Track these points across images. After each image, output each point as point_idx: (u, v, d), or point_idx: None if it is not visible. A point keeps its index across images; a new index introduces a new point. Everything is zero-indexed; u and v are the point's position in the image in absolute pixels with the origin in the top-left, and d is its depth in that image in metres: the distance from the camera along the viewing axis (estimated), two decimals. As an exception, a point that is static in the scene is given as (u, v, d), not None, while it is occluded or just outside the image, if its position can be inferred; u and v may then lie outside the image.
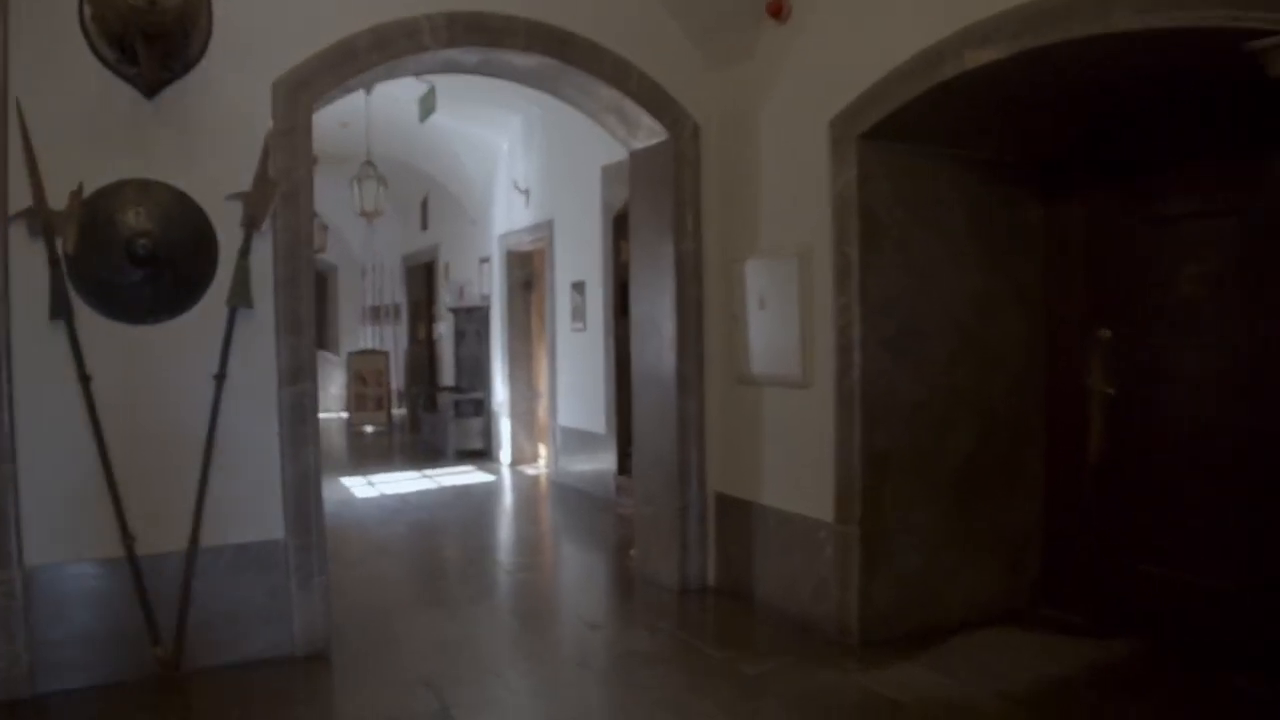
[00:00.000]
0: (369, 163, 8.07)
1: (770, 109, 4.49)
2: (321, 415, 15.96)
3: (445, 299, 11.36)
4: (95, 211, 3.56)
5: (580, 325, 8.03)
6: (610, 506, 7.21)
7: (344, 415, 13.57)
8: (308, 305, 3.95)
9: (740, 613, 4.53)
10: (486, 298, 10.06)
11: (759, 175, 4.59)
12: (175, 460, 3.74)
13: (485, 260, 10.12)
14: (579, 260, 8.06)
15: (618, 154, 6.82)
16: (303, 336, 3.93)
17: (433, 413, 10.71)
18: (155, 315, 3.71)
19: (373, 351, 13.43)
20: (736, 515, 4.79)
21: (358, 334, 16.09)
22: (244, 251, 3.82)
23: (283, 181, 3.86)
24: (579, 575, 5.61)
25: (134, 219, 3.62)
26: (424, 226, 12.31)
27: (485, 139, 9.45)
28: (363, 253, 15.62)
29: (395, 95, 6.98)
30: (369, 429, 12.80)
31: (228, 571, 3.81)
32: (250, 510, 3.87)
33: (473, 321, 10.44)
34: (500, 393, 9.77)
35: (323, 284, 16.65)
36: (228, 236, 3.81)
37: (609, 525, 6.64)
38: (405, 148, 10.00)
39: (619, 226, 7.44)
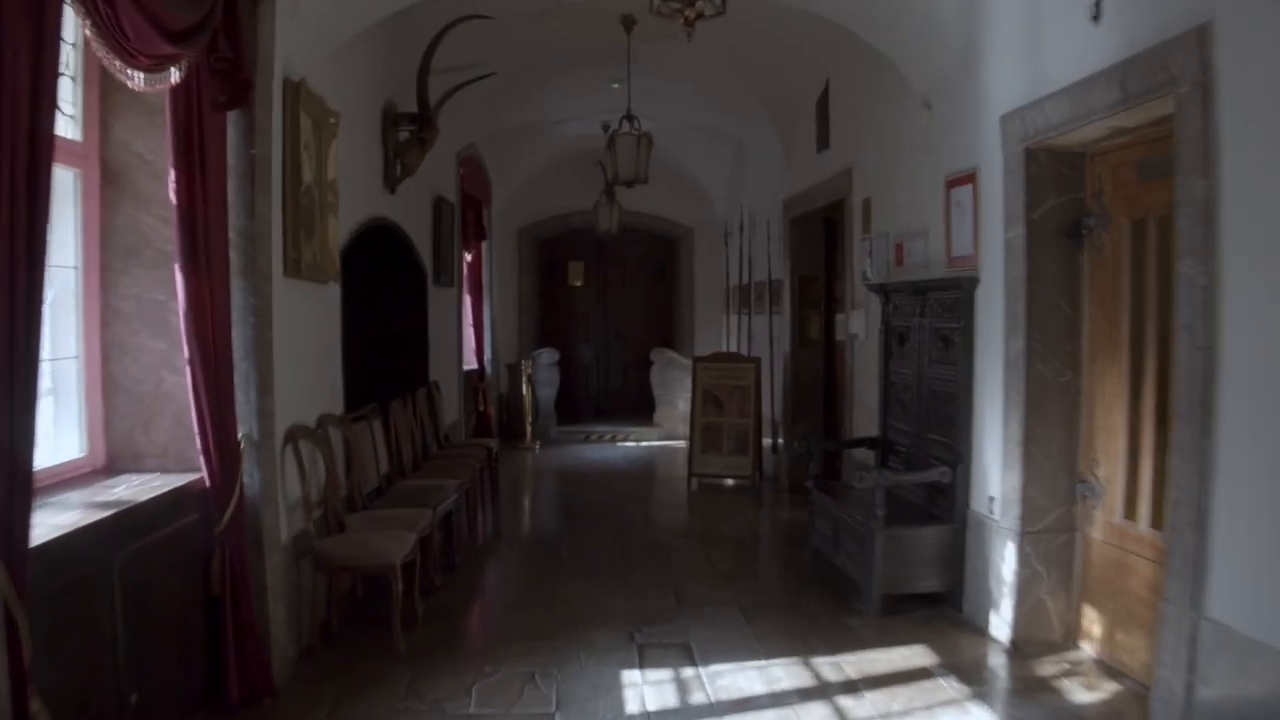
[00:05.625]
0: None
1: None
2: (662, 443, 8.58)
3: (864, 267, 6.12)
4: None
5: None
6: None
7: (684, 447, 8.70)
8: None
9: None
10: (964, 262, 4.70)
11: None
12: None
13: (959, 181, 4.73)
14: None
15: None
16: None
17: (835, 495, 5.49)
18: None
19: (733, 357, 8.45)
20: None
21: (720, 327, 11.40)
22: None
23: None
24: None
25: None
26: (822, 144, 7.11)
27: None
28: (726, 206, 10.79)
29: None
30: (728, 481, 7.95)
31: None
32: None
33: (926, 311, 5.07)
34: (996, 477, 4.35)
35: (670, 254, 12.20)
36: None
37: None
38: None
39: None
